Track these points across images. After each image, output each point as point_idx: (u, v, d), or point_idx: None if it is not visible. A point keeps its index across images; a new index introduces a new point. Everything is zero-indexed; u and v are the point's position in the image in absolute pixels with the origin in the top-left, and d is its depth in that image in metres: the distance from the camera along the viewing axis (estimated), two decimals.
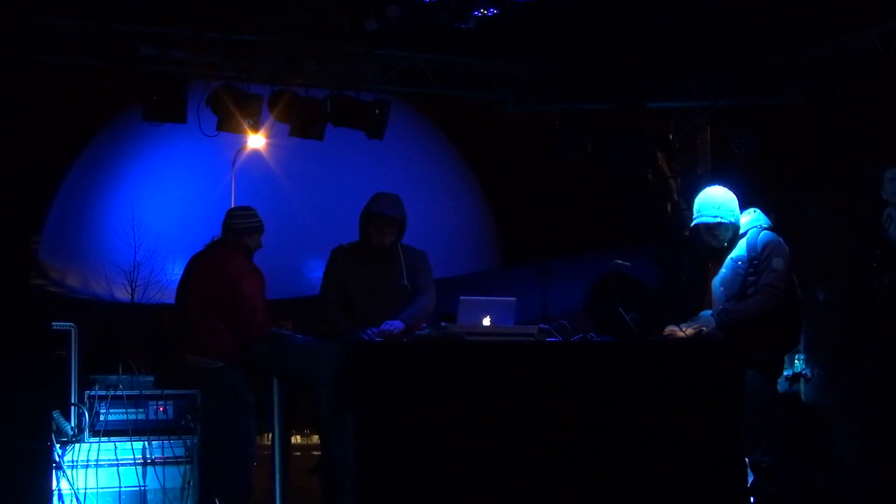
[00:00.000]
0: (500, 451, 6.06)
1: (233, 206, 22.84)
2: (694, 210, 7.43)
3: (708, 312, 7.19)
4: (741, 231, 7.29)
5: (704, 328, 7.04)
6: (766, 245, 7.18)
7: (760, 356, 7.05)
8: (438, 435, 5.94)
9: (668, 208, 13.04)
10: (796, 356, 8.36)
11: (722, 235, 7.29)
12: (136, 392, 7.65)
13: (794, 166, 14.62)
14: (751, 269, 7.17)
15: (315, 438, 12.48)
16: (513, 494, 6.08)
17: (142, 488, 7.51)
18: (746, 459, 6.98)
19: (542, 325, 6.61)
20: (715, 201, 7.31)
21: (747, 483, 6.98)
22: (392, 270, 7.27)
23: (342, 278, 7.24)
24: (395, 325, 6.90)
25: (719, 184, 7.54)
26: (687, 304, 7.48)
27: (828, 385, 8.34)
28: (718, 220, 7.25)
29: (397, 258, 7.28)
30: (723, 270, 7.32)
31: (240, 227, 7.98)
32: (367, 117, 11.38)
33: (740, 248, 7.26)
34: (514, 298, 6.60)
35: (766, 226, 7.32)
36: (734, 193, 7.34)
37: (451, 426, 5.96)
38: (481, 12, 8.93)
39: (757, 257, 7.16)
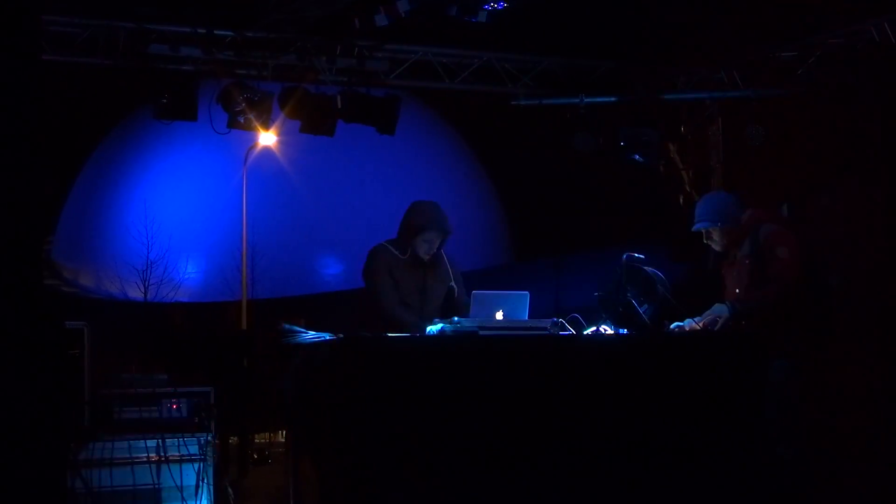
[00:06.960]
0: (514, 445, 6.04)
1: (244, 203, 22.97)
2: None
3: (721, 306, 7.16)
4: (746, 228, 7.32)
5: (719, 318, 7.00)
6: (769, 236, 7.24)
7: (786, 346, 7.03)
8: (452, 429, 5.92)
9: (681, 200, 13.02)
10: None
11: (718, 239, 7.40)
12: (150, 390, 7.65)
13: (806, 157, 14.55)
14: (758, 263, 7.20)
15: None
16: (527, 489, 6.06)
17: (156, 486, 7.51)
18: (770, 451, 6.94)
19: (555, 319, 6.58)
20: (706, 207, 7.44)
21: (770, 476, 6.94)
22: (438, 273, 7.44)
23: (394, 279, 7.26)
24: None
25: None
26: (703, 297, 7.45)
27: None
28: (709, 226, 7.36)
29: (441, 261, 7.47)
30: (734, 269, 7.38)
31: None
32: (378, 113, 11.37)
33: (746, 246, 7.32)
34: (527, 292, 6.59)
35: (767, 219, 7.33)
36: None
37: (464, 420, 5.94)
38: (491, 6, 8.93)
39: (761, 250, 7.20)
